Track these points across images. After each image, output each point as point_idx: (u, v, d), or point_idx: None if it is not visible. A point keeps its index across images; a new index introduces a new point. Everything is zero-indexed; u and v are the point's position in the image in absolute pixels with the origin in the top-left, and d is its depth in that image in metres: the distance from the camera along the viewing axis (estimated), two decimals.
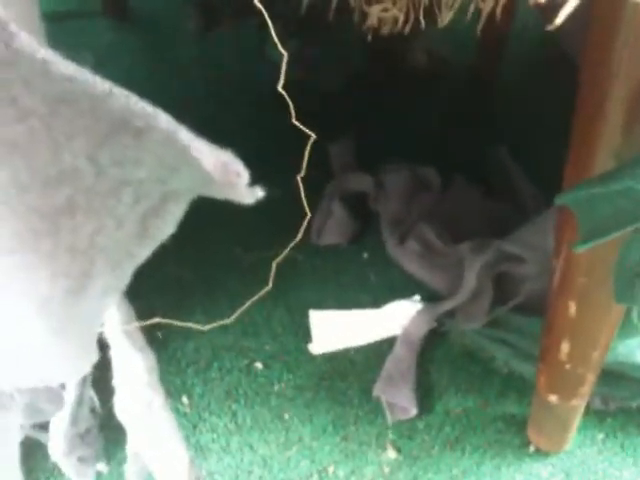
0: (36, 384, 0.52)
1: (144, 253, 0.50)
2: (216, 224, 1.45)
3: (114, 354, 0.62)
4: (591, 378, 0.97)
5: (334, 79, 1.72)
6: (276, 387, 1.21)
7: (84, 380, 0.77)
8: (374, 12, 0.55)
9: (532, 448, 1.11)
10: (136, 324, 0.61)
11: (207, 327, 0.67)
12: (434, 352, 1.25)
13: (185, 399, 1.19)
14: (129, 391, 0.63)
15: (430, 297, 1.29)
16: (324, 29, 1.70)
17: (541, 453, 1.11)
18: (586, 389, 0.99)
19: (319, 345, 1.25)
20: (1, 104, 0.38)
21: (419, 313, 1.24)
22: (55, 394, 0.66)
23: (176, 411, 1.15)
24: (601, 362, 0.95)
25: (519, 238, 1.15)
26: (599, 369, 0.96)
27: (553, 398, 1.01)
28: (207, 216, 1.44)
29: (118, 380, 0.63)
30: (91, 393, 0.83)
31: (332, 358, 1.24)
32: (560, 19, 0.37)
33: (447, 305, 1.22)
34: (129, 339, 0.60)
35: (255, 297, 0.69)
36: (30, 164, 0.41)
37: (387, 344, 1.24)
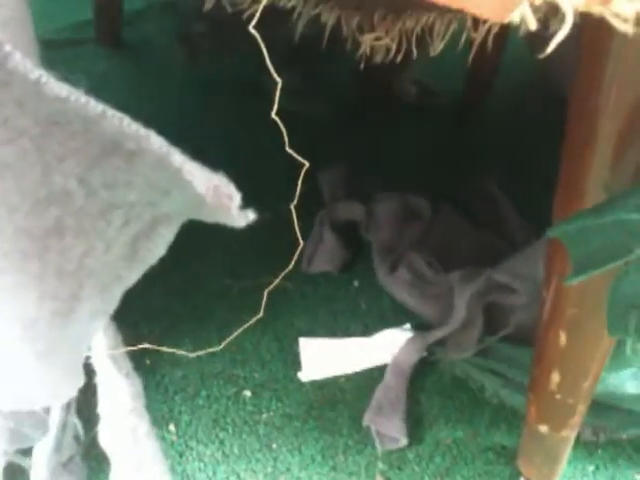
0: (20, 407, 0.51)
1: (133, 276, 0.50)
2: (205, 253, 1.45)
3: (100, 380, 0.61)
4: (582, 408, 0.96)
5: (326, 109, 1.73)
6: (264, 416, 1.19)
7: (68, 406, 0.76)
8: (367, 41, 0.56)
9: (522, 479, 1.10)
10: (123, 350, 0.60)
11: (195, 354, 0.66)
12: (424, 381, 1.24)
13: (172, 427, 1.17)
14: (114, 418, 0.62)
15: (421, 326, 1.29)
16: (316, 60, 1.73)
17: None
18: (577, 419, 0.98)
19: (308, 372, 1.24)
20: None
21: (409, 342, 1.24)
22: (39, 419, 0.65)
23: (163, 439, 1.13)
24: (592, 392, 0.94)
25: (509, 268, 1.16)
26: (590, 399, 0.96)
27: (543, 429, 1.00)
28: (196, 245, 1.44)
29: (103, 407, 0.62)
30: (75, 420, 0.82)
31: (321, 387, 1.23)
32: (550, 48, 0.38)
33: (437, 334, 1.22)
34: (115, 365, 0.59)
35: (245, 325, 0.68)
36: (20, 185, 0.41)
37: (377, 372, 1.23)
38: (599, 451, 1.14)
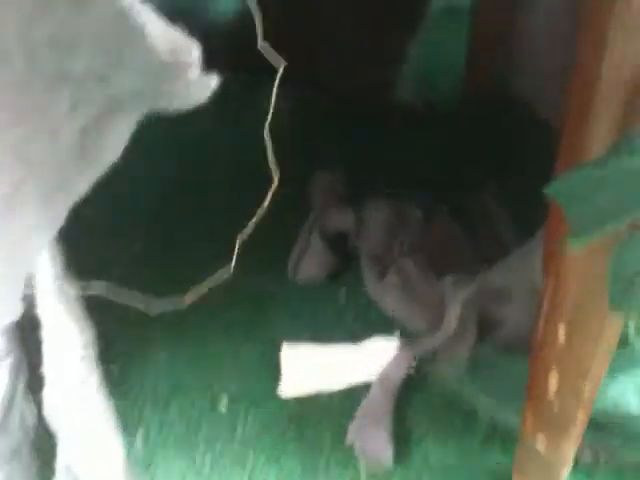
0: None
1: (81, 184, 0.44)
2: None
3: (45, 325, 0.53)
4: (582, 416, 0.89)
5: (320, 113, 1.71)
6: (240, 428, 1.12)
7: (14, 383, 0.68)
8: None
9: None
10: (76, 287, 0.53)
11: (157, 312, 0.60)
12: (412, 396, 1.16)
13: (140, 435, 1.09)
14: (61, 370, 0.54)
15: (409, 337, 1.23)
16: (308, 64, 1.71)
17: None
18: (576, 430, 0.91)
19: (289, 387, 1.17)
20: None
21: (398, 354, 1.17)
22: None
23: (130, 447, 1.05)
24: (593, 397, 0.88)
25: (503, 266, 1.11)
26: (590, 406, 0.89)
27: (540, 440, 0.93)
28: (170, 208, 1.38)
29: (49, 358, 0.54)
30: (23, 403, 0.74)
31: (303, 398, 1.16)
32: None
33: (427, 343, 1.16)
34: (64, 304, 0.52)
35: (213, 281, 0.62)
36: None
37: (363, 384, 1.16)
38: (599, 474, 1.07)
